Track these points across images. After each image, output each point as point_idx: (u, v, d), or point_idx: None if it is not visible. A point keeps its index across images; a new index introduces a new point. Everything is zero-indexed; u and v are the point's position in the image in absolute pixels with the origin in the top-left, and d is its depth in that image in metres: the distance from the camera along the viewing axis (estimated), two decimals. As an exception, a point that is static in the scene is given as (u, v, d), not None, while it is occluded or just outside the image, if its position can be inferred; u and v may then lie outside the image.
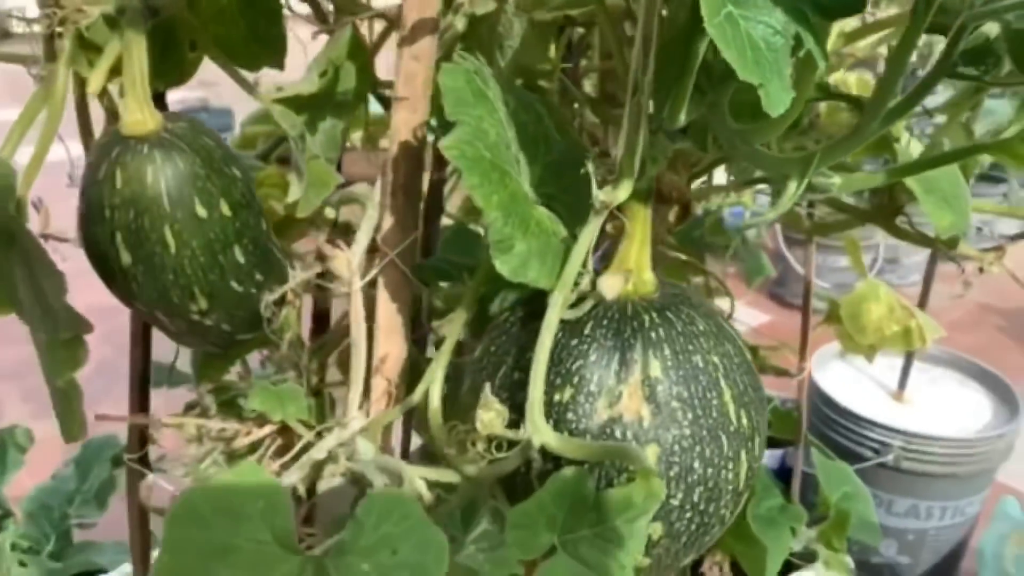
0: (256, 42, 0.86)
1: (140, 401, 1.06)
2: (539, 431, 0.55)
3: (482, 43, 0.79)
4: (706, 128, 0.63)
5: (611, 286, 0.58)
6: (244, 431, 1.09)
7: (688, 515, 0.60)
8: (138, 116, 0.70)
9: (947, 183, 0.79)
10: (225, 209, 0.71)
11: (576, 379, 0.59)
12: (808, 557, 1.33)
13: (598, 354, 0.59)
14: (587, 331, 0.60)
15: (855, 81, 0.99)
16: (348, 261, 0.76)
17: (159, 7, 0.72)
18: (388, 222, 0.77)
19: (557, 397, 0.59)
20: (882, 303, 1.27)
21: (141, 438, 1.11)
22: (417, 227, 0.79)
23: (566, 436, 0.57)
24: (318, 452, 0.84)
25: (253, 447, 1.30)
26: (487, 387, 0.56)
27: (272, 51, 0.89)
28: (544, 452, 0.57)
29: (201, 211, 0.70)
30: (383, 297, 0.80)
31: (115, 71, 0.79)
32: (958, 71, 0.56)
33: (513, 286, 0.59)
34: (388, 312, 0.80)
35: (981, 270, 0.81)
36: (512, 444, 0.58)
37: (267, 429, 1.06)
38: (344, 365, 1.21)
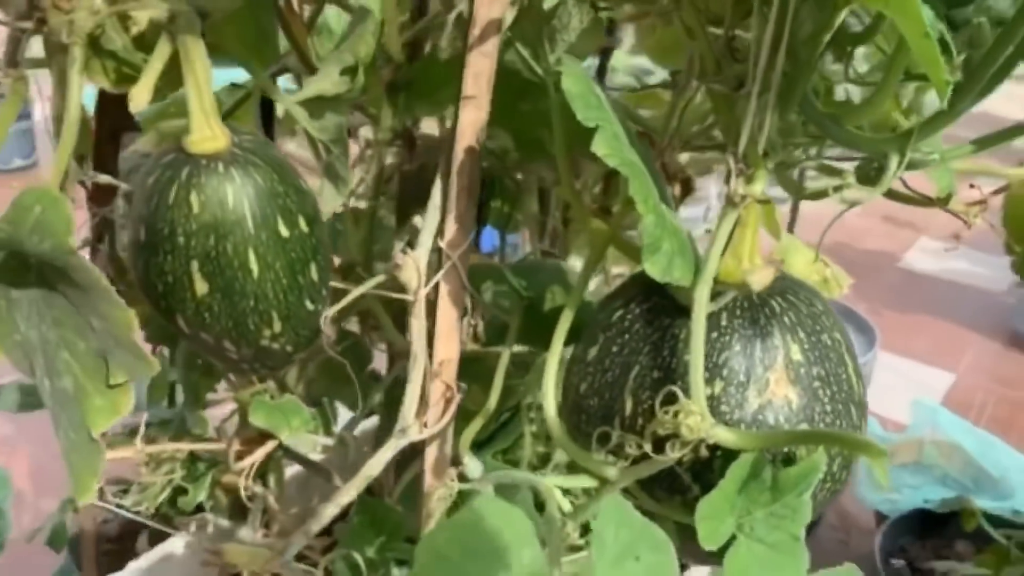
0: (263, 40, 0.81)
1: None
2: (713, 428, 0.57)
3: (525, 36, 0.78)
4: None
5: (760, 279, 0.61)
6: (237, 450, 1.04)
7: (828, 484, 0.64)
8: (207, 132, 0.64)
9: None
10: (303, 225, 0.67)
11: (725, 371, 0.61)
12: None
13: (741, 344, 0.62)
14: (724, 323, 0.62)
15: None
16: (416, 267, 0.74)
17: (208, 11, 0.65)
18: (451, 225, 0.75)
19: (709, 391, 0.61)
20: (802, 255, 1.37)
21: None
22: (473, 229, 0.78)
23: (743, 429, 0.59)
24: (374, 466, 0.82)
25: (212, 465, 1.23)
26: (667, 389, 0.57)
27: (274, 48, 0.83)
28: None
29: (284, 230, 0.65)
30: (444, 301, 0.78)
31: (127, 78, 0.73)
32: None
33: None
34: (448, 315, 0.79)
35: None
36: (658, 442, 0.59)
37: (269, 446, 1.01)
38: (332, 372, 1.17)
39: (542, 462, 1.55)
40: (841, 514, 2.25)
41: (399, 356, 1.12)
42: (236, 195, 0.63)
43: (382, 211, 1.27)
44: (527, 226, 1.37)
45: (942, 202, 0.91)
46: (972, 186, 0.94)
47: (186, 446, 1.05)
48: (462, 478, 0.72)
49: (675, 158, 0.93)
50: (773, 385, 0.61)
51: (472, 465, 0.71)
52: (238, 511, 1.19)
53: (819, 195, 0.96)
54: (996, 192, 0.94)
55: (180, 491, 1.22)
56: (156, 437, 1.23)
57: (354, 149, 1.42)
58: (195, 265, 0.63)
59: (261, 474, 1.13)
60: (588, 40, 0.78)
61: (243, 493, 1.05)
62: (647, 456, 0.58)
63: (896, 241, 3.82)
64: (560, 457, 1.47)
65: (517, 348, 0.95)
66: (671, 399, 0.57)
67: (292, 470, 1.37)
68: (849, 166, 0.77)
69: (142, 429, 1.02)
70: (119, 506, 1.22)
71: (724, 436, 0.55)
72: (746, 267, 0.66)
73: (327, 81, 0.79)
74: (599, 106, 0.61)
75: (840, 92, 1.05)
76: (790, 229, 1.77)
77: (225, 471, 1.16)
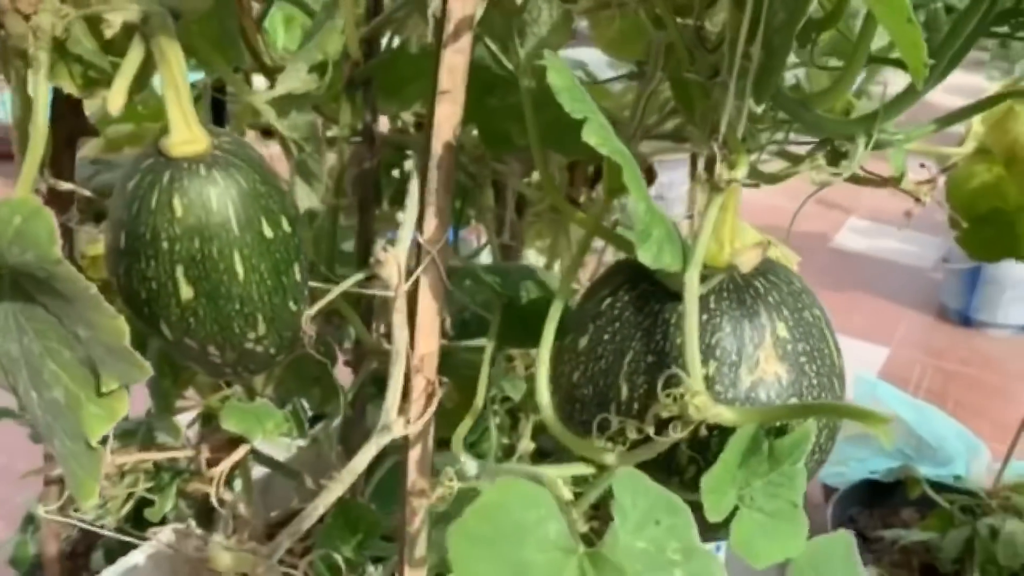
0: (228, 39, 0.79)
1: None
2: (713, 407, 0.58)
3: (495, 31, 0.78)
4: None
5: (747, 260, 0.62)
6: (208, 457, 1.02)
7: (816, 455, 0.66)
8: (186, 134, 0.63)
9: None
10: (286, 226, 0.67)
11: (718, 352, 0.63)
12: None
13: (731, 325, 0.63)
14: (713, 305, 0.64)
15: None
16: (397, 263, 0.74)
17: (181, 11, 0.64)
18: (430, 220, 0.75)
19: (704, 372, 0.62)
20: (749, 236, 1.40)
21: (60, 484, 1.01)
22: (451, 223, 0.78)
23: (738, 407, 0.60)
24: (358, 464, 0.81)
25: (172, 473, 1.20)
26: (668, 372, 0.58)
27: (238, 48, 0.82)
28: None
29: (268, 231, 0.65)
30: (424, 296, 0.78)
31: (94, 83, 0.71)
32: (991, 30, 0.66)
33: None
34: (428, 310, 0.78)
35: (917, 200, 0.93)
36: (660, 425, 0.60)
37: (241, 451, 1.00)
38: (300, 373, 1.15)
39: (507, 454, 1.55)
40: (791, 489, 2.30)
41: (367, 354, 1.12)
42: (220, 197, 0.62)
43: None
44: (482, 221, 1.37)
45: (896, 181, 0.95)
46: (923, 165, 0.98)
47: (156, 455, 1.03)
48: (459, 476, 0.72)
49: (638, 148, 0.94)
50: (763, 363, 0.63)
51: (469, 464, 0.71)
52: (203, 519, 1.17)
53: (777, 179, 0.99)
54: (944, 171, 0.98)
55: (143, 503, 1.20)
56: (120, 448, 1.20)
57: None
58: (180, 270, 0.62)
59: (227, 480, 1.12)
60: (559, 34, 0.78)
61: (214, 500, 1.04)
62: (646, 440, 0.60)
63: (827, 222, 3.93)
64: (525, 447, 1.49)
65: (480, 343, 0.96)
66: (672, 382, 0.58)
67: (255, 473, 1.36)
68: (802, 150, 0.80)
69: (110, 440, 1.00)
70: (83, 521, 1.19)
71: (728, 415, 0.56)
72: (730, 250, 0.67)
73: (296, 79, 0.79)
74: (584, 99, 0.61)
75: (789, 78, 1.08)
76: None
77: (190, 480, 1.14)
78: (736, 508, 0.60)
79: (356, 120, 1.12)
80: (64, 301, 0.61)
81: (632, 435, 0.61)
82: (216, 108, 1.09)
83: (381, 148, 1.16)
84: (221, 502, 1.08)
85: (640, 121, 0.87)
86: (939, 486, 2.03)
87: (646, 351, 0.64)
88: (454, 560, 0.49)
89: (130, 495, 1.18)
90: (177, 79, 0.62)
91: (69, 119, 0.92)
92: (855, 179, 0.97)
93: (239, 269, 0.64)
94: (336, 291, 0.73)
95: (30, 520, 1.31)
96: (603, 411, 0.65)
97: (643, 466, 0.65)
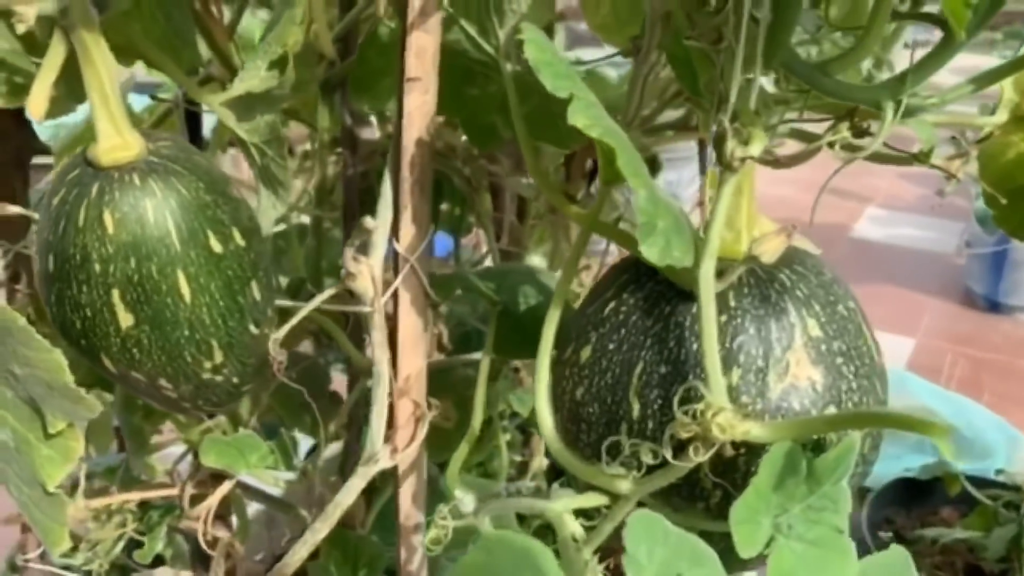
0: (179, 40, 0.71)
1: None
2: (740, 423, 0.50)
3: (470, 10, 0.70)
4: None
5: (770, 250, 0.53)
6: (192, 494, 0.94)
7: (859, 467, 0.57)
8: (116, 140, 0.54)
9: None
10: (239, 239, 0.58)
11: (741, 357, 0.54)
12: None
13: (755, 325, 0.55)
14: (732, 303, 0.55)
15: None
16: (371, 275, 0.66)
17: (106, 3, 0.56)
18: (406, 227, 0.67)
19: (726, 382, 0.53)
20: (764, 226, 1.31)
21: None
22: (431, 228, 0.69)
23: (768, 420, 0.52)
24: (345, 498, 0.73)
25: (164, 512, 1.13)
26: (685, 386, 0.50)
27: (193, 51, 0.74)
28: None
29: (216, 246, 0.57)
30: (405, 310, 0.69)
31: (20, 89, 0.63)
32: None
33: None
34: (410, 326, 0.70)
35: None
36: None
37: (226, 487, 0.92)
38: (289, 399, 1.07)
39: (519, 472, 1.47)
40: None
41: (359, 374, 1.04)
42: (157, 209, 0.54)
43: (327, 223, 1.18)
44: (481, 226, 1.29)
45: (924, 156, 0.86)
46: (954, 138, 0.89)
47: (135, 495, 0.95)
48: (455, 513, 0.64)
49: (638, 136, 0.86)
50: (794, 367, 0.54)
51: (466, 499, 0.63)
52: (200, 558, 1.10)
53: (796, 160, 0.90)
54: (979, 141, 0.89)
55: (135, 543, 1.12)
56: (104, 487, 1.13)
57: (293, 165, 1.33)
58: (116, 294, 0.54)
59: (221, 515, 1.04)
60: (541, 11, 0.70)
61: (201, 540, 0.96)
62: (663, 463, 0.51)
63: (844, 212, 3.83)
64: (539, 464, 1.40)
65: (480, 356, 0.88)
66: (690, 396, 0.49)
67: (256, 507, 1.28)
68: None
69: (82, 482, 0.93)
70: (67, 567, 1.12)
71: (758, 431, 0.48)
72: (749, 238, 0.59)
73: (254, 77, 0.70)
74: (569, 75, 0.53)
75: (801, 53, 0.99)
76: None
77: (180, 518, 1.07)
78: (772, 538, 0.51)
79: (335, 125, 1.05)
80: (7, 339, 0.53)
81: (647, 460, 0.53)
82: (192, 125, 1.02)
83: (369, 154, 1.09)
84: (212, 541, 1.00)
85: (639, 106, 0.79)
86: (979, 481, 1.92)
87: (658, 361, 0.55)
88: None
89: (120, 536, 1.11)
90: (103, 79, 0.54)
91: (16, 137, 0.85)
92: (880, 157, 0.88)
93: (184, 290, 0.55)
94: (304, 311, 0.65)
95: (13, 568, 1.23)
96: (613, 432, 0.57)
97: (662, 493, 0.57)
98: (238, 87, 0.69)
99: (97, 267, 0.54)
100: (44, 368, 0.54)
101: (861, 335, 0.57)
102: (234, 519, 1.12)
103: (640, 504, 0.58)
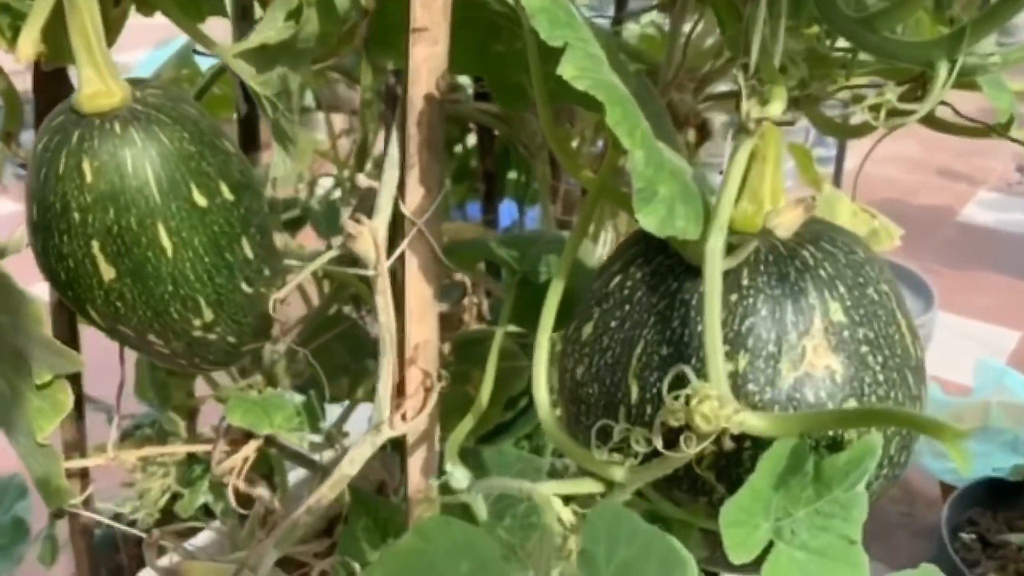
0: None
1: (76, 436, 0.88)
2: (737, 414, 0.45)
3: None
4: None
5: (784, 223, 0.48)
6: (221, 452, 0.94)
7: (885, 470, 0.51)
8: (99, 86, 0.52)
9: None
10: (227, 193, 0.56)
11: (750, 341, 0.48)
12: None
13: (768, 306, 0.49)
14: (745, 281, 0.50)
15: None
16: (373, 237, 0.62)
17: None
18: (413, 187, 0.63)
19: (731, 367, 0.48)
20: (846, 207, 1.23)
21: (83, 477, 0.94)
22: (442, 189, 0.66)
23: (776, 411, 0.47)
24: (350, 467, 0.71)
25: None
26: (676, 369, 0.45)
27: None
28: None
29: (201, 199, 0.54)
30: (412, 275, 0.66)
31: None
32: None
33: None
34: (418, 292, 0.67)
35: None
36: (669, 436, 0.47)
37: (252, 445, 0.91)
38: (327, 361, 1.06)
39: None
40: (903, 485, 2.10)
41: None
42: (136, 158, 0.52)
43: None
44: (542, 194, 1.25)
45: (1004, 128, 0.77)
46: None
47: (169, 449, 0.95)
48: (447, 489, 0.61)
49: (685, 98, 0.80)
50: (811, 354, 0.48)
51: (457, 474, 0.59)
52: (238, 515, 1.11)
53: (858, 131, 0.82)
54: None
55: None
56: (150, 439, 1.14)
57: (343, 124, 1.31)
58: (96, 245, 0.52)
59: (267, 476, 1.05)
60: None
61: (230, 496, 0.96)
62: (660, 452, 0.46)
63: (952, 195, 3.61)
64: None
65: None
66: (681, 381, 0.45)
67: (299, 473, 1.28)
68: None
69: (113, 433, 0.93)
70: (116, 516, 1.14)
71: (753, 422, 0.43)
72: (768, 210, 0.53)
73: (271, 28, 0.68)
74: (569, 23, 0.48)
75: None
76: (836, 177, 1.62)
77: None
78: (771, 544, 0.46)
79: (379, 81, 1.02)
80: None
81: (640, 447, 0.48)
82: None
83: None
84: (244, 499, 1.00)
85: (680, 64, 0.73)
86: (1076, 486, 1.79)
87: (660, 341, 0.51)
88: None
89: (166, 488, 1.12)
90: (86, 24, 0.52)
91: (50, 90, 0.84)
92: (947, 127, 0.80)
93: (166, 243, 0.53)
94: (305, 271, 0.62)
95: (57, 514, 1.26)
96: (611, 416, 0.52)
97: (662, 484, 0.52)
98: (253, 39, 0.67)
99: (76, 216, 0.52)
100: (24, 318, 0.53)
101: (894, 322, 0.51)
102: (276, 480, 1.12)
103: (639, 495, 0.54)
